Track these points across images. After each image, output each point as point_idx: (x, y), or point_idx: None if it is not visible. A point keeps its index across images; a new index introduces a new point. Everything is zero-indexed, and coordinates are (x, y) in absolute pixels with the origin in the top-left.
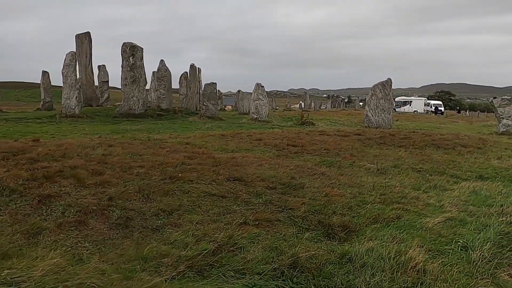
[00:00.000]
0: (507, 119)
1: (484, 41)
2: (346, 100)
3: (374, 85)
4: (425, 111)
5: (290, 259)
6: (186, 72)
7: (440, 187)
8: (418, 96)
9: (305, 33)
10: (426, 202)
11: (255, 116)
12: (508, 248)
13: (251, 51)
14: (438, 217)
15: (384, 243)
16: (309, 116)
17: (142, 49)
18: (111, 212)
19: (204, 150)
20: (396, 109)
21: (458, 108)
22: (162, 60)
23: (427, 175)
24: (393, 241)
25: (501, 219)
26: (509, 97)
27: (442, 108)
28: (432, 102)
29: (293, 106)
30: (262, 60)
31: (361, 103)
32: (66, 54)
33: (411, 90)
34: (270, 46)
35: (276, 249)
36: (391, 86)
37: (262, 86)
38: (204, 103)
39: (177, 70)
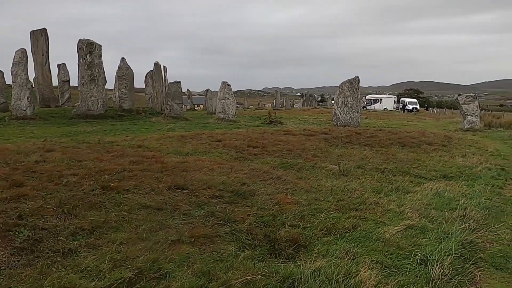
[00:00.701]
0: (472, 115)
1: (449, 41)
2: (319, 99)
3: (341, 83)
4: (395, 108)
5: (222, 287)
6: (152, 71)
7: (402, 189)
8: (389, 94)
9: (279, 32)
10: (386, 208)
11: (222, 115)
12: (471, 261)
13: (225, 50)
14: (398, 225)
15: (335, 259)
16: (278, 115)
17: (100, 46)
18: (17, 233)
19: (155, 154)
20: (367, 107)
21: (426, 105)
22: (123, 58)
23: (391, 175)
24: (346, 257)
25: (464, 225)
26: (473, 94)
27: (418, 106)
28: (408, 100)
29: (267, 105)
30: (236, 59)
31: (332, 101)
32: (16, 52)
33: (382, 88)
34: (244, 45)
35: (208, 273)
36: (358, 83)
37: (229, 85)
38: (169, 102)
39: (148, 69)
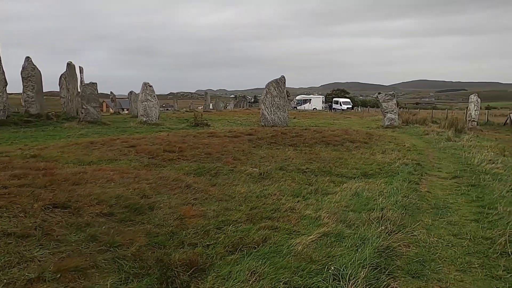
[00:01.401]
0: (391, 113)
1: (372, 44)
2: (252, 100)
3: (268, 83)
4: (323, 108)
5: None
6: (65, 72)
7: (322, 191)
8: (318, 94)
9: (212, 34)
10: (302, 214)
11: (145, 118)
12: (386, 272)
13: (156, 51)
14: (313, 233)
15: (236, 284)
16: (208, 117)
17: None
18: None
19: (49, 165)
20: (298, 107)
21: (352, 104)
22: (27, 57)
23: (313, 176)
24: (250, 280)
25: (380, 228)
26: (392, 93)
27: (351, 106)
28: (342, 100)
29: (200, 108)
30: (168, 60)
31: None
32: None
33: (312, 89)
34: (177, 47)
35: None
36: (284, 83)
37: (151, 86)
38: (84, 106)
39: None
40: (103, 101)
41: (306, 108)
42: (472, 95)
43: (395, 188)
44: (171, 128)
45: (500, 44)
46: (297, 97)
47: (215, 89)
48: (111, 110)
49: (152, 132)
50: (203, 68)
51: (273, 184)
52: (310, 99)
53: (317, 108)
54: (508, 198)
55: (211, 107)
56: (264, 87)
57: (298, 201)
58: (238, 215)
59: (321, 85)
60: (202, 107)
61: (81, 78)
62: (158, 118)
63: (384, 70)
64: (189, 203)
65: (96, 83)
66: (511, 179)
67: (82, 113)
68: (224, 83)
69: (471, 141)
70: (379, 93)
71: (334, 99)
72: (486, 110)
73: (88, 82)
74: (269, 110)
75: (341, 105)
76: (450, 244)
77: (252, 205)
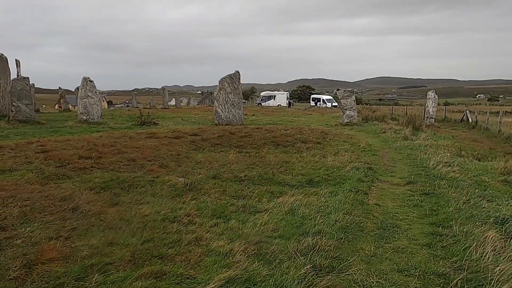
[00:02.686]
0: (350, 110)
1: (338, 42)
2: None
3: (221, 78)
4: (287, 105)
5: None
6: None
7: (250, 208)
8: (284, 91)
9: (178, 29)
10: (209, 248)
11: (85, 117)
12: None
13: (120, 47)
14: (213, 280)
15: None
16: (161, 115)
17: None
18: None
19: None
20: (262, 104)
21: (315, 101)
22: None
23: (250, 185)
24: None
25: (306, 268)
26: (350, 89)
27: (335, 103)
28: (325, 97)
29: (171, 103)
30: (133, 56)
31: None
32: None
33: (279, 85)
34: (141, 42)
35: None
36: (239, 79)
37: (91, 81)
38: (14, 103)
39: (32, 67)
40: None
41: (270, 104)
42: (429, 92)
43: (338, 202)
44: (113, 127)
45: (457, 43)
46: (262, 93)
47: (182, 85)
48: (61, 107)
49: (87, 133)
50: (169, 64)
51: (195, 200)
52: (275, 96)
53: (281, 104)
54: (464, 212)
55: (172, 103)
56: (218, 83)
57: (215, 225)
58: (121, 253)
59: (288, 82)
60: (170, 102)
61: (17, 72)
62: (101, 117)
63: (349, 68)
64: (61, 236)
65: (28, 78)
66: (468, 184)
67: (12, 111)
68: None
69: (428, 139)
70: (338, 90)
71: (314, 95)
72: (444, 106)
73: (19, 77)
74: (223, 107)
75: (325, 102)
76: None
77: (147, 236)
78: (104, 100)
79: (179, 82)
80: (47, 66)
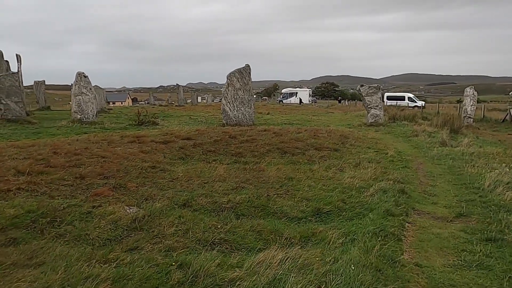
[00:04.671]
0: (375, 108)
1: (363, 38)
2: None
3: (230, 73)
4: (310, 102)
5: None
6: None
7: (204, 279)
8: (307, 87)
9: (202, 26)
10: None
11: (79, 116)
12: None
13: (146, 44)
14: None
15: None
16: (170, 113)
17: None
18: None
19: None
20: (284, 101)
21: (340, 98)
22: None
23: (231, 218)
24: None
25: None
26: (376, 85)
27: (421, 102)
28: (409, 95)
29: (189, 101)
30: (158, 53)
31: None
32: None
33: (303, 82)
34: (166, 39)
35: None
36: (250, 73)
37: (86, 77)
38: (3, 100)
39: (61, 64)
40: None
41: (292, 101)
42: (467, 88)
43: (353, 265)
44: (106, 128)
45: (487, 38)
46: (283, 90)
47: (206, 82)
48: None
49: (72, 135)
50: (193, 61)
51: (130, 254)
52: (296, 93)
53: (303, 101)
54: None
55: (193, 100)
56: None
57: None
58: None
59: (312, 78)
60: (190, 100)
61: (18, 69)
62: (96, 116)
63: (375, 64)
64: None
65: (16, 73)
66: None
67: (1, 109)
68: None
69: (471, 145)
70: (362, 86)
71: (388, 94)
72: (482, 104)
73: (8, 72)
74: (232, 105)
75: (413, 101)
76: None
77: None
78: (129, 97)
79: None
80: (75, 64)
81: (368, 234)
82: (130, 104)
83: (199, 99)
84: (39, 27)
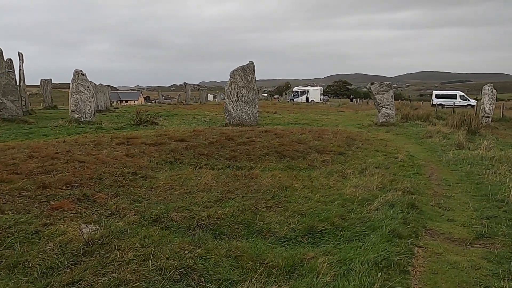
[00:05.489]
0: (387, 107)
1: (375, 36)
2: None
3: (233, 71)
4: (321, 100)
5: None
6: None
7: None
8: (320, 86)
9: (215, 25)
10: None
11: (76, 115)
12: None
13: (160, 43)
14: None
15: None
16: (175, 112)
17: None
18: None
19: None
20: (294, 99)
21: (352, 96)
22: None
23: (207, 239)
24: None
25: None
26: (388, 83)
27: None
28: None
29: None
30: (172, 52)
31: (264, 94)
32: None
33: (315, 81)
34: (180, 38)
35: None
36: (254, 71)
37: (83, 75)
38: None
39: (76, 63)
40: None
41: (303, 100)
42: (486, 86)
43: None
44: (103, 128)
45: (505, 35)
46: (294, 89)
47: (218, 81)
48: None
49: (64, 135)
50: (207, 60)
51: None
52: (308, 91)
53: (314, 100)
54: None
55: (210, 98)
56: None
57: None
58: None
59: (325, 77)
60: (199, 98)
61: (19, 67)
62: (94, 115)
63: (388, 62)
64: None
65: (12, 71)
66: None
67: None
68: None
69: (491, 148)
70: (372, 84)
71: (437, 92)
72: (501, 103)
73: (4, 71)
74: (235, 104)
75: (466, 99)
76: None
77: None
78: (141, 96)
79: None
80: (90, 63)
81: (368, 264)
82: (143, 102)
83: (211, 97)
84: (55, 27)
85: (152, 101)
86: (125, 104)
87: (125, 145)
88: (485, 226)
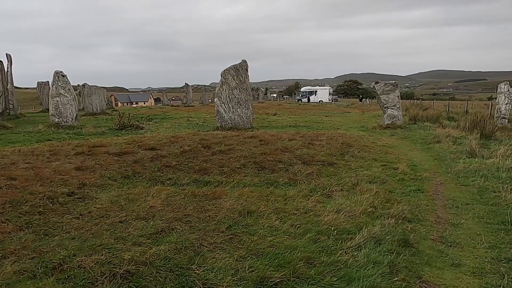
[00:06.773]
0: (392, 108)
1: (388, 35)
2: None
3: (224, 70)
4: (330, 100)
5: None
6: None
7: None
8: (330, 86)
9: (228, 26)
10: None
11: (56, 119)
12: None
13: (172, 45)
14: None
15: None
16: (167, 114)
17: None
18: None
19: None
20: (302, 100)
21: (361, 96)
22: None
23: None
24: None
25: None
26: (393, 82)
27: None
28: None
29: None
30: (183, 54)
31: (274, 95)
32: None
33: (327, 80)
34: (192, 40)
35: None
36: (247, 70)
37: (64, 76)
38: None
39: (89, 66)
40: (111, 95)
41: (312, 100)
42: (501, 84)
43: None
44: (82, 134)
45: None
46: (302, 89)
47: None
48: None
49: (33, 142)
50: (218, 61)
51: None
52: (316, 91)
53: (323, 100)
54: None
55: (205, 100)
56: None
57: None
58: None
59: (336, 76)
60: (210, 100)
61: (7, 69)
62: (76, 119)
63: (401, 61)
64: None
65: None
66: None
67: None
68: None
69: (509, 156)
70: (377, 83)
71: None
72: None
73: (8, 73)
74: (227, 106)
75: None
76: None
77: None
78: (151, 97)
79: None
80: (103, 65)
81: None
82: (153, 103)
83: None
84: (69, 30)
85: (160, 103)
86: (135, 105)
87: (85, 155)
88: (503, 276)
